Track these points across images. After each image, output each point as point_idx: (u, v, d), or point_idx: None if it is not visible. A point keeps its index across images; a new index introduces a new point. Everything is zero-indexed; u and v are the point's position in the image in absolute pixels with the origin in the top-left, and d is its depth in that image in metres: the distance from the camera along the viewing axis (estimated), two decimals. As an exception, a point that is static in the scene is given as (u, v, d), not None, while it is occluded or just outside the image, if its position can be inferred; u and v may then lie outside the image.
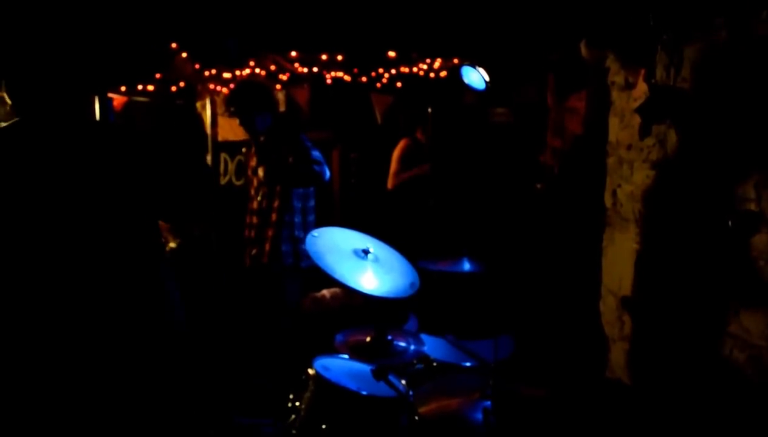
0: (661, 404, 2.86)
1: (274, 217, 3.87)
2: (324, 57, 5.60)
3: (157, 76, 5.66)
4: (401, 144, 5.41)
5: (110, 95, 5.43)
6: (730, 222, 2.30)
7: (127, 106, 5.82)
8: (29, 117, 1.96)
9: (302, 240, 3.83)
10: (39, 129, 1.94)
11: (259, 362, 3.59)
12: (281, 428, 2.65)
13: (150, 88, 5.74)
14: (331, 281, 2.47)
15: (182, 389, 2.11)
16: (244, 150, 4.35)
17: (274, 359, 3.86)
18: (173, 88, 5.85)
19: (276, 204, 3.87)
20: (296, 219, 3.89)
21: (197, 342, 2.39)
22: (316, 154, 3.77)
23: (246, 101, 3.84)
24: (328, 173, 3.79)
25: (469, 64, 3.93)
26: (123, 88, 5.68)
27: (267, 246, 3.87)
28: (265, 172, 3.84)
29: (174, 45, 5.57)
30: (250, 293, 4.05)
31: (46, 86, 1.94)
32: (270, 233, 3.88)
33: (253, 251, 3.93)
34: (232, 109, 3.89)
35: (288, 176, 3.78)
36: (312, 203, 3.99)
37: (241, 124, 3.93)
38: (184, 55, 5.64)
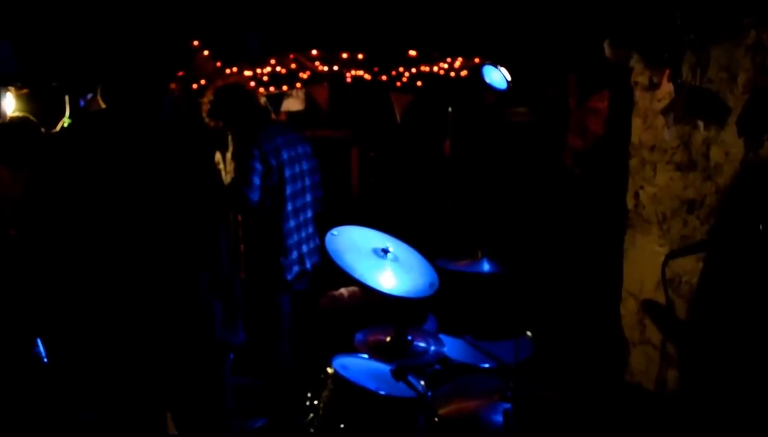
0: (683, 410, 2.82)
1: (241, 233, 3.61)
2: (344, 55, 5.59)
3: (179, 73, 5.69)
4: None
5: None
6: (761, 226, 2.27)
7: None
8: (116, 114, 2.41)
9: (266, 263, 3.44)
10: (124, 124, 2.40)
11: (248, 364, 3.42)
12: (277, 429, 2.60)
13: (172, 86, 5.76)
14: (349, 279, 2.47)
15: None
16: None
17: (261, 361, 3.70)
18: (194, 86, 5.88)
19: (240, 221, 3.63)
20: (259, 243, 3.46)
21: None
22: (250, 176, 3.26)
23: (224, 109, 3.54)
24: (253, 198, 3.25)
25: (490, 64, 3.90)
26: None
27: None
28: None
29: (195, 42, 5.59)
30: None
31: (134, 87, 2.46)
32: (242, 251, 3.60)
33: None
34: (214, 122, 3.56)
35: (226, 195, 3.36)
36: (291, 224, 3.44)
37: (233, 132, 3.75)
38: (205, 52, 5.67)
